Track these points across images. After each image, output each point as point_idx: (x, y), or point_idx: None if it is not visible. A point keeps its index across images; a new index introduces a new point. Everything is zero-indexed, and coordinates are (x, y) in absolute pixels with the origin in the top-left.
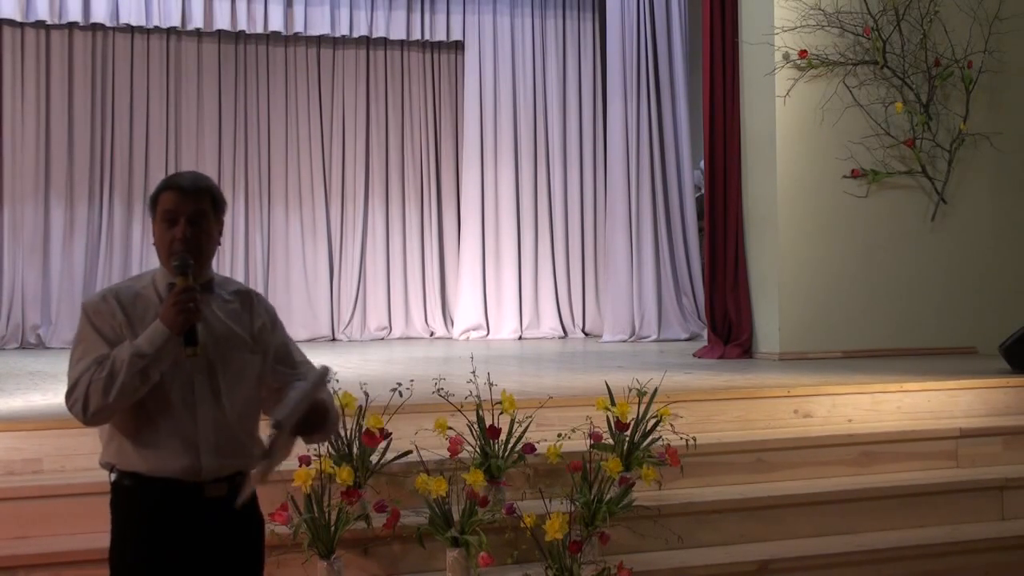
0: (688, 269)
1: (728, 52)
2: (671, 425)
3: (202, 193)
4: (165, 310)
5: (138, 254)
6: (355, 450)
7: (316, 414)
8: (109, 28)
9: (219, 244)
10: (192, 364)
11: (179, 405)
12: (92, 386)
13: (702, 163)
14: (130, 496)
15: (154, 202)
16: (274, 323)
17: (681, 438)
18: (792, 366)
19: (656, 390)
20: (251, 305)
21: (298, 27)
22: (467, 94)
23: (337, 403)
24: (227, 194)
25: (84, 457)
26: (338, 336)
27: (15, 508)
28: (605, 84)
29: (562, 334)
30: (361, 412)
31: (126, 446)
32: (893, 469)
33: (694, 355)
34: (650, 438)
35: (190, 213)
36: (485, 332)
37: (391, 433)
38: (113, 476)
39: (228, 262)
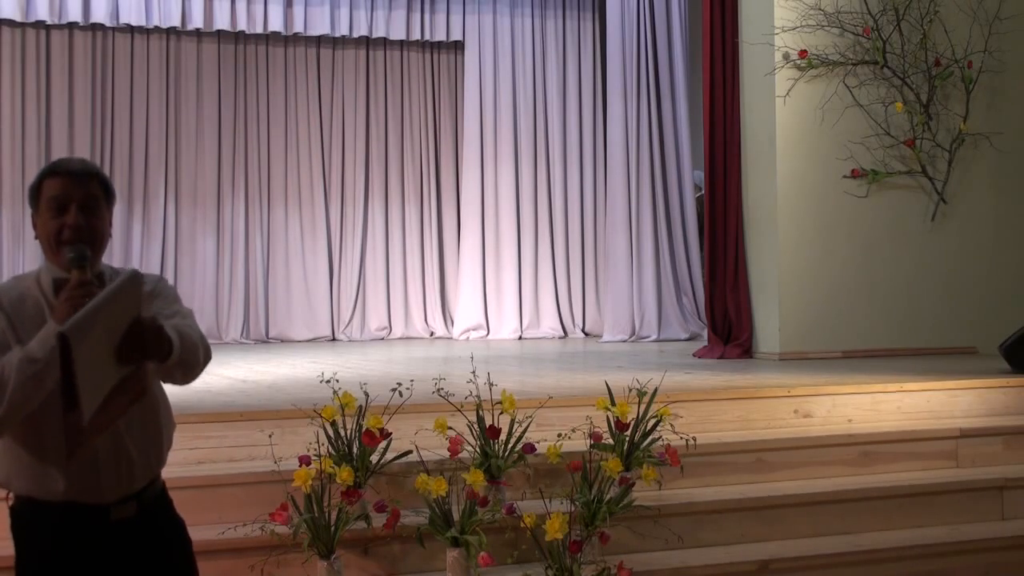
0: (688, 269)
1: (728, 52)
2: (671, 425)
3: (92, 177)
4: (59, 308)
5: (138, 253)
6: (355, 450)
7: (138, 333)
8: (109, 28)
9: (110, 237)
10: None
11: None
12: None
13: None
14: (25, 522)
15: (36, 191)
16: (154, 300)
17: (681, 438)
18: (792, 366)
19: (656, 390)
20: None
21: (298, 27)
22: (467, 94)
23: (337, 402)
24: (227, 194)
25: None
26: (338, 336)
27: None
28: (605, 84)
29: (562, 334)
30: (361, 412)
31: (19, 469)
32: (893, 469)
33: (694, 355)
34: (650, 438)
35: (81, 198)
36: (485, 332)
37: (391, 433)
38: (10, 500)
39: (228, 262)
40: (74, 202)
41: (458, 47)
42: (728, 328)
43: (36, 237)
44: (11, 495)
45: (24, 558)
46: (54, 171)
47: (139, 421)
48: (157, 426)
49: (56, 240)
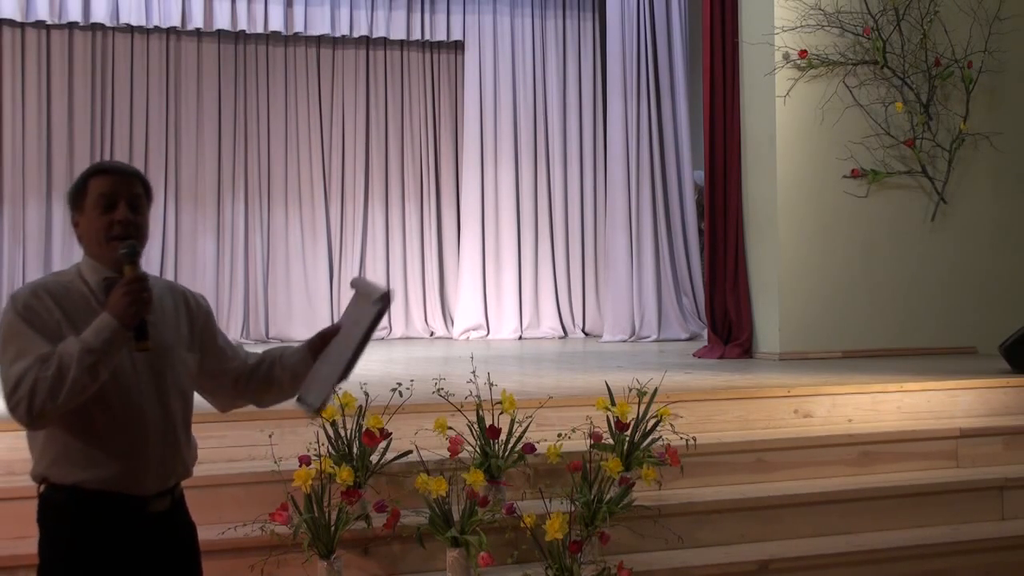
0: (688, 269)
1: (728, 52)
2: (671, 425)
3: (136, 177)
4: (115, 301)
5: None
6: (355, 450)
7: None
8: (109, 28)
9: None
10: (136, 366)
11: (124, 411)
12: (38, 385)
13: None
14: (62, 512)
15: (81, 190)
16: (210, 317)
17: (681, 438)
18: (792, 366)
19: (656, 390)
20: (185, 301)
21: (298, 27)
22: (467, 94)
23: (337, 401)
24: (227, 194)
25: None
26: None
27: (15, 508)
28: (605, 84)
29: (562, 334)
30: (361, 412)
31: (66, 457)
32: (893, 469)
33: (694, 355)
34: (650, 438)
35: (129, 196)
36: (485, 332)
37: (391, 433)
38: (42, 488)
39: (228, 262)
40: (123, 199)
41: (458, 47)
42: (728, 328)
43: (79, 237)
44: (42, 486)
45: (55, 547)
46: (101, 170)
47: (182, 416)
48: (190, 428)
49: (106, 236)
